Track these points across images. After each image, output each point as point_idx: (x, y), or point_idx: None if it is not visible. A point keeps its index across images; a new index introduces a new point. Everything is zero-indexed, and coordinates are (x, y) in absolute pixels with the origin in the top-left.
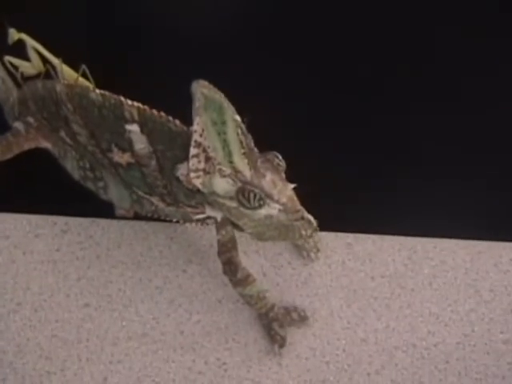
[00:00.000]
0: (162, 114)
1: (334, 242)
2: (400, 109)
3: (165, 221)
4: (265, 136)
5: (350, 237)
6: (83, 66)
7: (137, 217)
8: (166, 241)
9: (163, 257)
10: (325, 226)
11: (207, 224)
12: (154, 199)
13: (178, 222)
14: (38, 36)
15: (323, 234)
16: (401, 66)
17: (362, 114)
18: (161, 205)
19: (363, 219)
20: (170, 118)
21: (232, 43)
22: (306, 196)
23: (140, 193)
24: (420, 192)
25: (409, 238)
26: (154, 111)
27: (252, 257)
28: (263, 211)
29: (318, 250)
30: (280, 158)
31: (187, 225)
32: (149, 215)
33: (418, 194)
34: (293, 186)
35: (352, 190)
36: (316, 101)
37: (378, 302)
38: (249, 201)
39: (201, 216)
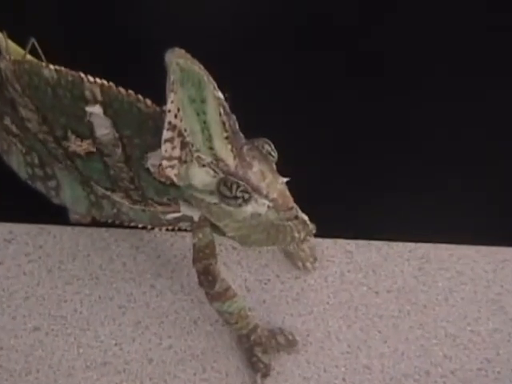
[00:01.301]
0: (130, 92)
1: (331, 249)
2: (406, 104)
3: (129, 227)
4: (257, 126)
5: (350, 244)
6: (32, 40)
7: (95, 223)
8: (131, 251)
9: (127, 270)
10: (321, 230)
11: (180, 228)
12: (118, 196)
13: (144, 227)
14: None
15: (319, 240)
16: (409, 79)
17: (365, 111)
18: (125, 204)
19: (366, 223)
20: (140, 97)
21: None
22: (300, 195)
23: (100, 190)
24: (433, 191)
25: (420, 245)
26: (121, 89)
27: (233, 269)
28: (249, 208)
29: (315, 260)
30: (271, 145)
31: (156, 231)
32: (110, 220)
33: (430, 193)
34: (285, 179)
35: (353, 189)
36: (319, 98)
37: (383, 321)
38: (232, 195)
39: (174, 215)
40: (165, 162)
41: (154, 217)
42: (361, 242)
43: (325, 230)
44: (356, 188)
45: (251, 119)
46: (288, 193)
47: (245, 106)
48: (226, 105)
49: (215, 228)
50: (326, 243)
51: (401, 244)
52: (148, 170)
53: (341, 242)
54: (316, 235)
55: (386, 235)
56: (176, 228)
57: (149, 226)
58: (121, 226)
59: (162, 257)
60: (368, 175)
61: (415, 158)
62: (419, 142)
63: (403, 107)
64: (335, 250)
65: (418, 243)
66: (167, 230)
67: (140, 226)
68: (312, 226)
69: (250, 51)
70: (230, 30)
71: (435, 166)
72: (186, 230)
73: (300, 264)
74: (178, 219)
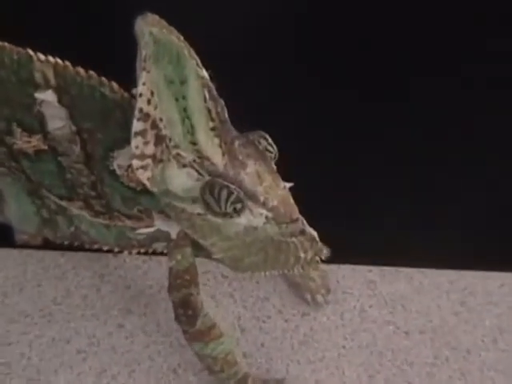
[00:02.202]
0: (92, 73)
1: (349, 278)
2: (431, 122)
3: (91, 250)
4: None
5: (373, 271)
6: None
7: (48, 245)
8: (93, 280)
9: (88, 305)
10: (336, 255)
11: (155, 251)
12: (76, 207)
13: (110, 250)
14: None
15: (334, 267)
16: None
17: (387, 128)
18: (85, 218)
19: (393, 246)
20: (104, 80)
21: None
22: (308, 208)
23: (54, 202)
24: (474, 209)
25: (462, 274)
26: (80, 70)
27: (224, 302)
28: (242, 220)
29: (328, 291)
30: (269, 139)
31: (125, 255)
32: (66, 242)
33: (471, 211)
34: (288, 184)
35: (376, 202)
36: (338, 110)
37: (415, 369)
38: (220, 204)
39: (147, 231)
40: (135, 162)
41: (121, 235)
42: (386, 270)
43: (340, 254)
44: (379, 202)
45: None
46: (292, 200)
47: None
48: (213, 86)
49: (199, 248)
50: (342, 271)
51: (438, 272)
52: (114, 172)
53: (361, 269)
54: (329, 260)
55: (419, 261)
56: (150, 251)
57: (115, 249)
58: (80, 248)
59: (132, 288)
60: (395, 189)
61: (450, 171)
62: (460, 162)
63: (432, 118)
64: (353, 280)
65: (460, 271)
66: (139, 253)
67: (105, 248)
68: (323, 246)
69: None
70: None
71: (480, 180)
72: (162, 254)
73: (308, 297)
74: (152, 237)
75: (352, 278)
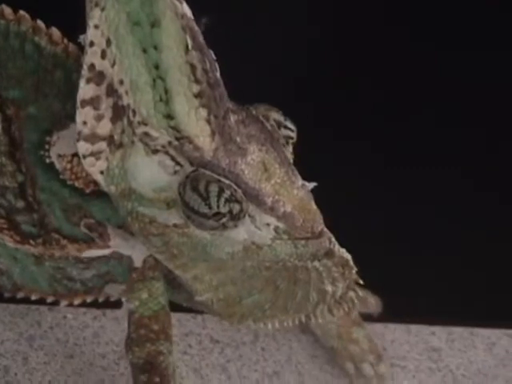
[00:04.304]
0: (23, 15)
1: (402, 344)
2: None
3: (13, 300)
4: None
5: (437, 334)
6: None
7: None
8: (18, 345)
9: (11, 381)
10: (386, 311)
11: (109, 300)
12: None
13: (42, 301)
14: None
15: (380, 326)
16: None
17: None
18: (6, 247)
19: (465, 301)
20: (40, 25)
21: None
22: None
23: None
24: None
25: None
26: (6, 10)
27: (212, 378)
28: (241, 234)
29: (379, 359)
30: (282, 116)
31: (63, 309)
32: None
33: None
34: (310, 184)
35: (441, 247)
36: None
37: None
38: (210, 201)
39: (97, 254)
40: (83, 146)
41: (58, 274)
42: (456, 332)
43: (390, 309)
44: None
45: None
46: (313, 206)
47: None
48: (200, 33)
49: (174, 285)
50: (392, 333)
51: None
52: (52, 167)
53: (419, 330)
54: (380, 318)
55: (504, 321)
56: (101, 299)
57: (50, 298)
58: None
59: (76, 358)
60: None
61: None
62: None
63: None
64: (408, 346)
65: None
66: (85, 304)
67: (33, 297)
68: (367, 293)
69: None
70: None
71: None
72: (119, 305)
73: (350, 366)
74: (104, 275)
75: (406, 343)
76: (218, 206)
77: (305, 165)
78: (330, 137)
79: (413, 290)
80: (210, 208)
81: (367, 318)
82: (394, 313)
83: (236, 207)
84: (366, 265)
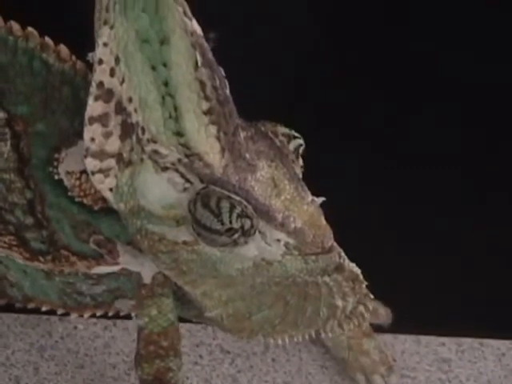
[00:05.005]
0: (31, 31)
1: (412, 355)
2: None
3: (24, 311)
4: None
5: (447, 345)
6: None
7: None
8: (29, 356)
9: None
10: (396, 321)
11: (119, 313)
12: (2, 245)
13: (52, 312)
14: None
15: (389, 337)
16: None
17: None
18: (15, 263)
19: (474, 311)
20: (48, 42)
21: None
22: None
23: None
24: None
25: None
26: (14, 26)
27: None
28: (251, 251)
29: (391, 370)
30: (289, 130)
31: (73, 319)
32: None
33: None
34: (319, 199)
35: (451, 256)
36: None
37: None
38: (222, 217)
39: (106, 270)
40: (91, 163)
41: (68, 289)
42: (466, 343)
43: (400, 320)
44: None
45: None
46: (323, 221)
47: None
48: (209, 50)
49: (184, 301)
50: (402, 343)
51: None
52: (61, 184)
53: (429, 341)
54: (390, 329)
55: None
56: (110, 313)
57: (59, 310)
58: (9, 309)
59: (87, 367)
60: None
61: None
62: None
63: None
64: (418, 357)
65: None
66: (93, 316)
67: (43, 308)
68: (378, 304)
69: None
70: None
71: None
72: (127, 316)
73: (361, 377)
74: (114, 290)
75: (416, 354)
76: (231, 222)
77: (305, 164)
78: (330, 137)
79: (422, 300)
80: (223, 224)
81: (377, 328)
82: (403, 323)
83: (247, 223)
84: (374, 275)
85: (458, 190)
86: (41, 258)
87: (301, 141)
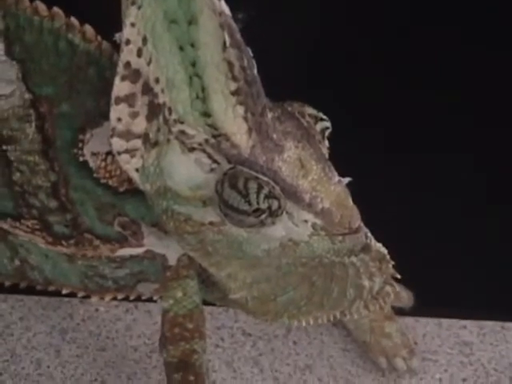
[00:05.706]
0: (57, 11)
1: (433, 338)
2: None
3: (45, 293)
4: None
5: (468, 328)
6: None
7: None
8: (51, 338)
9: (43, 374)
10: (417, 304)
11: (140, 297)
12: (24, 230)
13: (73, 294)
14: None
15: (410, 320)
16: None
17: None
18: (37, 247)
19: (497, 294)
20: (74, 22)
21: None
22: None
23: None
24: None
25: None
26: (40, 6)
27: (244, 371)
28: (278, 231)
29: (412, 353)
30: (319, 112)
31: (94, 302)
32: (8, 283)
33: None
34: (345, 179)
35: (472, 239)
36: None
37: None
38: (250, 198)
39: (131, 252)
40: (117, 143)
41: (90, 272)
42: (488, 326)
43: (421, 303)
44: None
45: None
46: (350, 202)
47: None
48: (237, 30)
49: (208, 284)
50: (423, 327)
51: None
52: (85, 165)
53: (450, 324)
54: (411, 312)
55: None
56: (132, 295)
57: (80, 293)
58: (31, 291)
59: (109, 350)
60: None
61: None
62: None
63: None
64: (440, 340)
65: None
66: (115, 298)
67: (64, 291)
68: (401, 288)
69: None
70: None
71: None
72: (148, 299)
73: (383, 360)
74: (137, 274)
75: (438, 337)
76: (258, 203)
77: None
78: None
79: (444, 283)
80: (250, 205)
81: (399, 311)
82: (425, 307)
83: (275, 204)
84: (397, 258)
85: (484, 177)
86: (64, 242)
87: (328, 123)
